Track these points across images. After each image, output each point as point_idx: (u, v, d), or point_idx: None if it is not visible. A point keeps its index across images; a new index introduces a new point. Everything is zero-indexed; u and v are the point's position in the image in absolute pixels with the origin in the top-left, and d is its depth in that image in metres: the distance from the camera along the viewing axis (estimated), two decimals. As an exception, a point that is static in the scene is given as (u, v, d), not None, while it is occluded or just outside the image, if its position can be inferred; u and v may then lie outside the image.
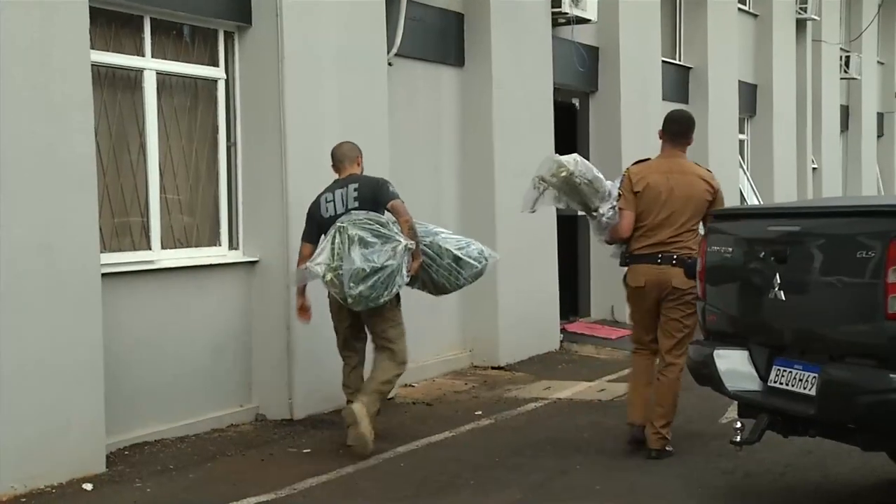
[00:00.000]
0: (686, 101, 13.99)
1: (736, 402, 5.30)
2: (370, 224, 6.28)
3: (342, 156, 6.66)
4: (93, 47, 6.20)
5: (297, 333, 7.35)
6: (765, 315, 5.00)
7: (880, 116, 21.91)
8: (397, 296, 6.46)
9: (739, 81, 15.16)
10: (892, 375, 4.28)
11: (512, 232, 9.54)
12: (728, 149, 14.58)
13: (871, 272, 4.38)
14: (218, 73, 7.37)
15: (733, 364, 5.06)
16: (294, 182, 7.33)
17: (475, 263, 6.83)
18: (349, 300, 6.22)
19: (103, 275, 6.10)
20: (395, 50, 8.54)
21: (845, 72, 19.38)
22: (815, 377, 4.61)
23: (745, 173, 15.72)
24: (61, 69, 5.81)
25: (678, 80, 13.90)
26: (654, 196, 6.19)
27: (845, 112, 20.25)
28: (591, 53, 11.64)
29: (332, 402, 7.56)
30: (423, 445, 6.69)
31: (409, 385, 8.55)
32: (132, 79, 6.82)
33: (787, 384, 4.81)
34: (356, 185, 6.46)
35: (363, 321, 6.60)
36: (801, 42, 17.49)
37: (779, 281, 4.81)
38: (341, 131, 7.77)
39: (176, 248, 7.10)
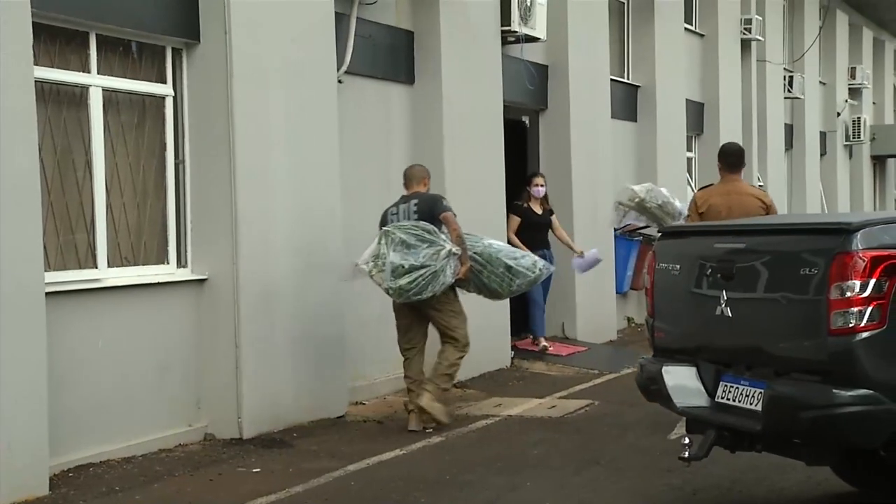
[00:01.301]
0: (635, 119, 14.13)
1: (684, 418, 5.35)
2: (415, 230, 7.23)
3: (411, 175, 7.77)
4: (37, 63, 6.13)
5: (247, 352, 7.29)
6: (712, 331, 5.05)
7: (823, 135, 22.31)
8: (454, 290, 7.49)
9: (687, 100, 15.33)
10: (835, 391, 4.35)
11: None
12: (676, 166, 14.75)
13: (815, 289, 4.45)
14: (166, 89, 7.30)
15: (681, 380, 5.11)
16: (243, 199, 7.28)
17: (528, 272, 7.69)
18: (391, 292, 7.19)
19: (48, 293, 6.01)
20: (345, 67, 8.53)
21: (789, 91, 19.69)
22: (760, 393, 4.67)
23: (693, 191, 15.89)
24: (4, 84, 5.72)
25: (627, 99, 14.04)
26: (715, 214, 7.07)
27: (789, 131, 20.58)
28: (541, 71, 11.72)
29: (281, 420, 7.51)
30: (373, 463, 6.66)
31: (360, 403, 8.51)
32: (78, 95, 6.74)
33: (733, 400, 4.86)
34: (416, 201, 7.53)
35: (426, 317, 7.52)
36: (746, 62, 17.77)
37: (725, 297, 4.87)
38: (291, 148, 7.75)
39: (123, 265, 7.01)
